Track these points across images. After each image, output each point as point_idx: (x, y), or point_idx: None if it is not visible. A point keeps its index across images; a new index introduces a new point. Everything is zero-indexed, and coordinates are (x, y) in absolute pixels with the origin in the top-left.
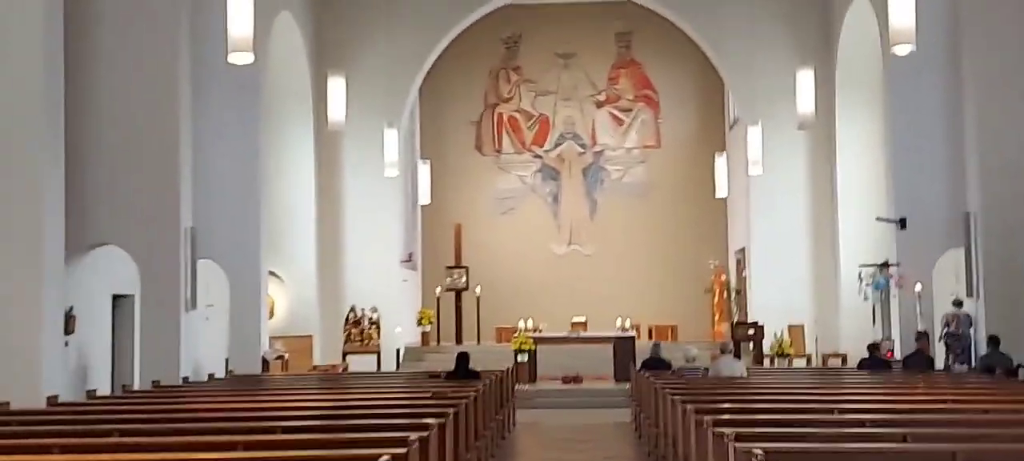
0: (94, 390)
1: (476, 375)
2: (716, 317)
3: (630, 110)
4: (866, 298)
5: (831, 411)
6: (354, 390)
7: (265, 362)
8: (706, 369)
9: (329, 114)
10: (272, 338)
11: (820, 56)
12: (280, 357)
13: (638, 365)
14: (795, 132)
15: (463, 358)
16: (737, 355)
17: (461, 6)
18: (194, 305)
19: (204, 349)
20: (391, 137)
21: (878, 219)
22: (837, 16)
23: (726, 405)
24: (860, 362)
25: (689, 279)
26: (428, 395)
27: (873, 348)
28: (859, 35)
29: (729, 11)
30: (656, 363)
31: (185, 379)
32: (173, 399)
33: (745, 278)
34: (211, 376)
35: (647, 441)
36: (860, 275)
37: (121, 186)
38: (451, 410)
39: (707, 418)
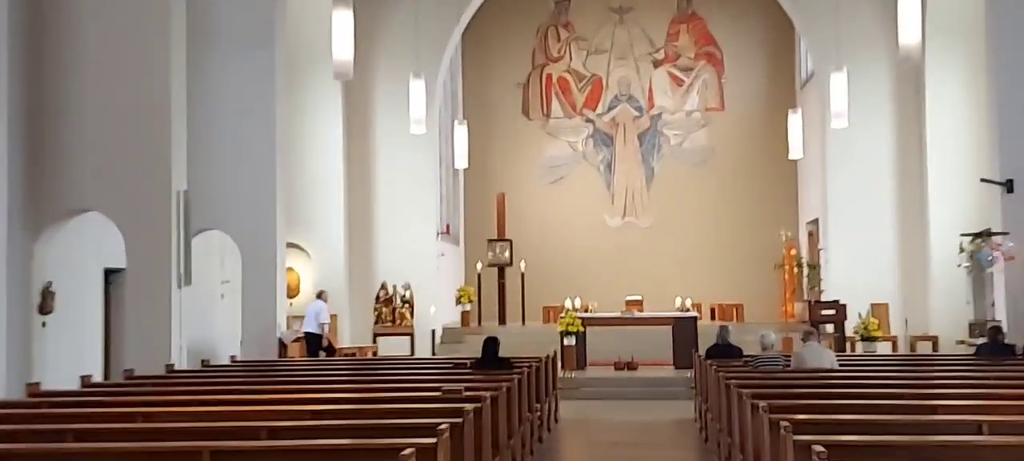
0: (89, 376)
1: (508, 363)
2: (786, 296)
3: (691, 69)
4: (969, 273)
5: (969, 426)
6: (365, 379)
7: (282, 345)
8: (787, 358)
9: (334, 54)
10: (292, 318)
11: None
12: (299, 339)
13: (702, 351)
14: (878, 86)
15: (491, 344)
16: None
17: None
18: (188, 280)
19: (220, 329)
20: (417, 89)
21: (983, 180)
22: None
23: (811, 405)
24: (978, 348)
25: (756, 254)
26: (437, 393)
27: (995, 331)
28: None
29: None
30: (724, 350)
31: (169, 366)
32: (140, 393)
33: (820, 252)
34: (232, 358)
35: (715, 446)
36: (962, 247)
37: (107, 146)
38: (458, 418)
39: (786, 423)
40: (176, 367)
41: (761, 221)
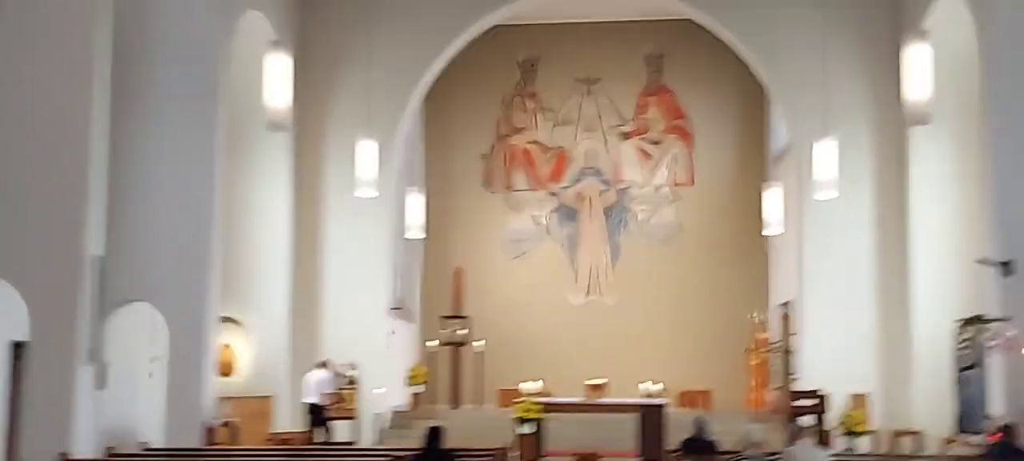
0: None
1: (452, 457)
2: (755, 383)
3: (660, 143)
4: (967, 363)
5: None
6: None
7: (210, 430)
8: (774, 456)
9: (267, 101)
10: (223, 399)
11: (890, 65)
12: (226, 423)
13: (671, 443)
14: (857, 161)
15: (434, 436)
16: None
17: (459, 18)
18: (99, 356)
19: (146, 411)
20: (367, 150)
21: (979, 261)
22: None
23: None
24: (990, 449)
25: (726, 337)
26: None
27: (1006, 431)
28: (943, 37)
29: (784, 16)
30: (701, 446)
31: (62, 455)
32: None
33: (794, 336)
34: (143, 446)
35: None
36: (960, 333)
37: (14, 206)
38: None
39: None
40: (71, 456)
41: (731, 302)
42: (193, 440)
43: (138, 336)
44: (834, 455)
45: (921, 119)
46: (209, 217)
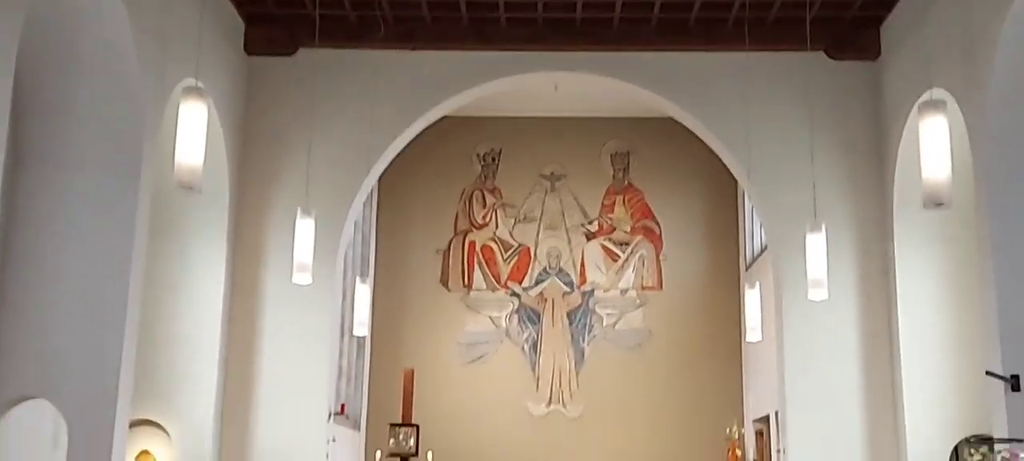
0: None
1: None
2: None
3: (627, 244)
4: None
5: None
6: None
7: None
8: None
9: (177, 157)
10: None
11: (873, 163)
12: None
13: None
14: (840, 264)
15: None
16: None
17: (413, 105)
18: None
19: None
20: (304, 230)
21: (988, 373)
22: (898, 115)
23: None
24: None
25: (699, 453)
26: None
27: None
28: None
29: (761, 113)
30: None
31: None
32: None
33: (778, 453)
34: None
35: None
36: (964, 454)
37: None
38: None
39: None
40: None
41: (704, 415)
42: None
43: (38, 438)
44: None
45: (939, 199)
46: (123, 303)
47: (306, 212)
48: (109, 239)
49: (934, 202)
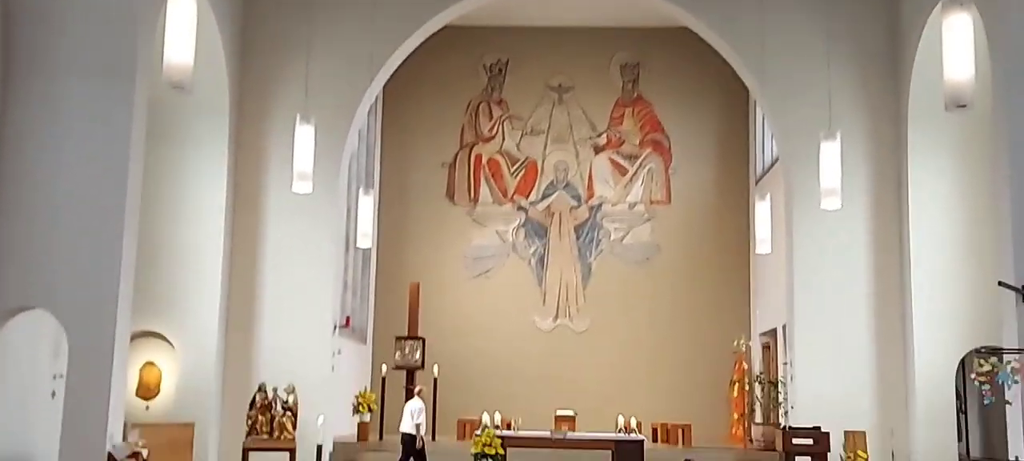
0: None
1: None
2: (736, 417)
3: (635, 157)
4: (989, 402)
5: None
6: None
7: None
8: None
9: (165, 56)
10: (135, 426)
11: (888, 72)
12: (135, 454)
13: None
14: (852, 175)
15: None
16: None
17: (417, 12)
18: None
19: (46, 437)
20: (304, 137)
21: (1001, 284)
22: (916, 21)
23: None
24: None
25: (706, 367)
26: None
27: None
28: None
29: (776, 22)
30: None
31: None
32: None
33: (786, 366)
34: None
35: None
36: (976, 364)
37: None
38: None
39: None
40: None
41: (711, 329)
42: None
43: (38, 349)
44: None
45: (961, 99)
46: (120, 211)
47: (305, 119)
48: (105, 146)
49: (956, 103)
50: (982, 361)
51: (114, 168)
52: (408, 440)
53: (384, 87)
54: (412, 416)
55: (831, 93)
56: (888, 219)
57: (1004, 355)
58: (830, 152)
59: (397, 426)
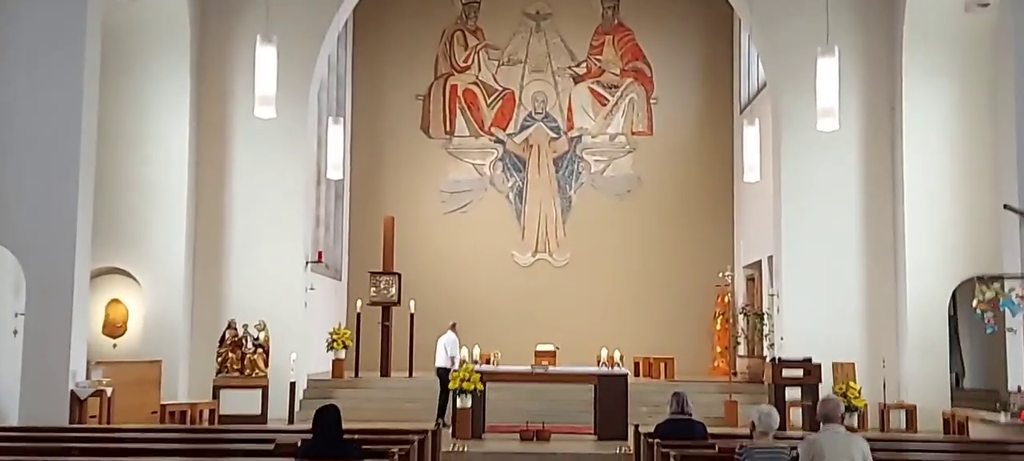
0: None
1: (352, 450)
2: (718, 349)
3: (616, 87)
4: (991, 329)
5: None
6: None
7: (77, 401)
8: (793, 449)
9: None
10: (99, 363)
11: None
12: (99, 392)
13: (637, 420)
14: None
15: (326, 417)
16: (779, 407)
17: None
18: None
19: (8, 376)
20: (266, 57)
21: (1006, 208)
22: None
23: None
24: None
25: (688, 300)
26: None
27: None
28: None
29: None
30: (684, 426)
31: None
32: None
33: (773, 297)
34: None
35: None
36: (983, 292)
37: None
38: None
39: None
40: None
41: (694, 262)
42: (60, 414)
43: None
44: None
45: None
46: (76, 139)
47: (267, 39)
48: (58, 71)
49: (978, 1)
50: (985, 288)
51: (68, 95)
52: (443, 373)
53: (355, 13)
54: (446, 349)
55: (822, 15)
56: (881, 144)
57: (1006, 282)
58: (828, 68)
59: (376, 365)
